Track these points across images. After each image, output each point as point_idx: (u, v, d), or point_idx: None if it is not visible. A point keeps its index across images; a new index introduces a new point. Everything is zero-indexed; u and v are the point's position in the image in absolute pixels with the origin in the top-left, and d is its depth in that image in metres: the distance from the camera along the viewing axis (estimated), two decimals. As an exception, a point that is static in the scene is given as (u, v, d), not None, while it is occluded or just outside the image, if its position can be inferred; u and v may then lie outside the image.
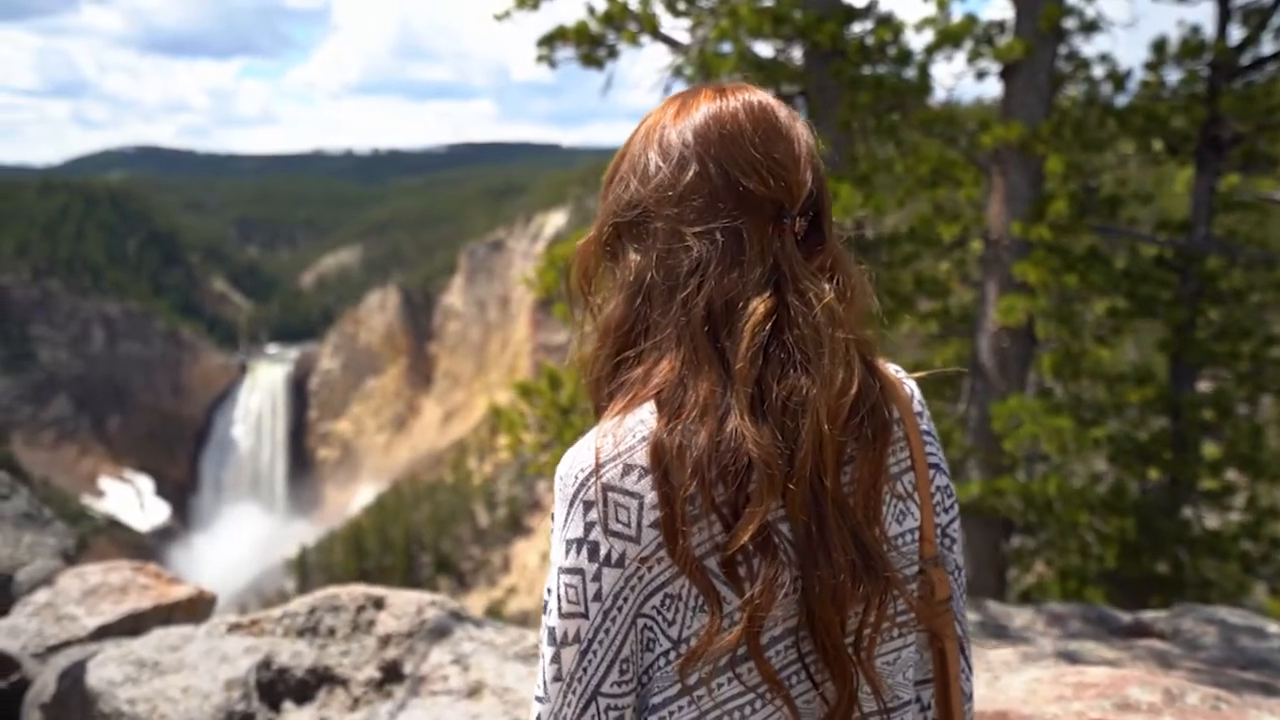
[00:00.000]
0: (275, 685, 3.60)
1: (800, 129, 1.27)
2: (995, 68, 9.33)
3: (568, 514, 1.21)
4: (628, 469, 1.19)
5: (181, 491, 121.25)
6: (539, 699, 1.24)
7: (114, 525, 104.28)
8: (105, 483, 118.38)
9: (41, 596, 4.48)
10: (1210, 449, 9.67)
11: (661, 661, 1.22)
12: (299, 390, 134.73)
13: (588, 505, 1.20)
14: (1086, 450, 9.21)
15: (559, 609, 1.21)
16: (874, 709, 1.25)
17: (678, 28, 9.38)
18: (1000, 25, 9.47)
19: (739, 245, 1.21)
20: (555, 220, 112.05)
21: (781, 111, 1.27)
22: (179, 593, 4.62)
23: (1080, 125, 9.21)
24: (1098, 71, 9.54)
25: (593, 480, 1.20)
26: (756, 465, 1.14)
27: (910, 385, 1.35)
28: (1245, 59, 9.17)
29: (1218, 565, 9.41)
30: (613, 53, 9.85)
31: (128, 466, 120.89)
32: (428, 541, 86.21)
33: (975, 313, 9.80)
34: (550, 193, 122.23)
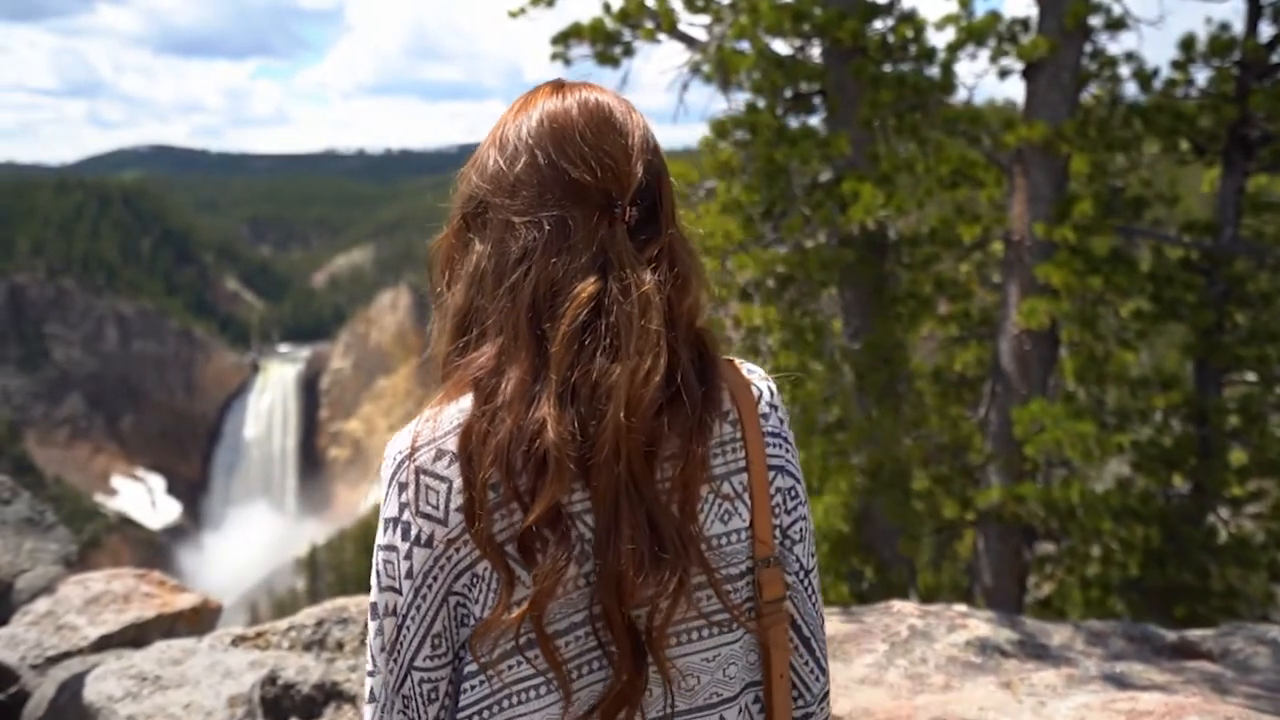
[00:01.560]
0: (281, 702, 3.46)
1: (636, 124, 1.31)
2: (1018, 66, 9.15)
3: (386, 494, 1.27)
4: (440, 454, 1.24)
5: (193, 490, 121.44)
6: (371, 673, 1.30)
7: (126, 523, 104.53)
8: (117, 481, 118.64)
9: (42, 605, 4.34)
10: (1237, 455, 9.45)
11: (469, 637, 1.27)
12: (310, 390, 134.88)
13: (402, 487, 1.25)
14: (1111, 456, 9.02)
15: (378, 584, 1.27)
16: (685, 706, 1.28)
17: (695, 24, 9.22)
18: (1024, 23, 9.28)
19: (565, 232, 1.24)
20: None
21: (618, 108, 1.31)
22: (183, 601, 4.48)
23: (1105, 124, 9.02)
24: (1123, 70, 9.35)
25: (407, 464, 1.26)
26: (550, 451, 1.17)
27: (761, 387, 1.36)
28: (1276, 57, 8.96)
29: (1243, 574, 9.21)
30: (628, 50, 9.71)
31: (140, 465, 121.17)
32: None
33: (996, 315, 9.62)
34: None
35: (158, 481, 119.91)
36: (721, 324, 7.89)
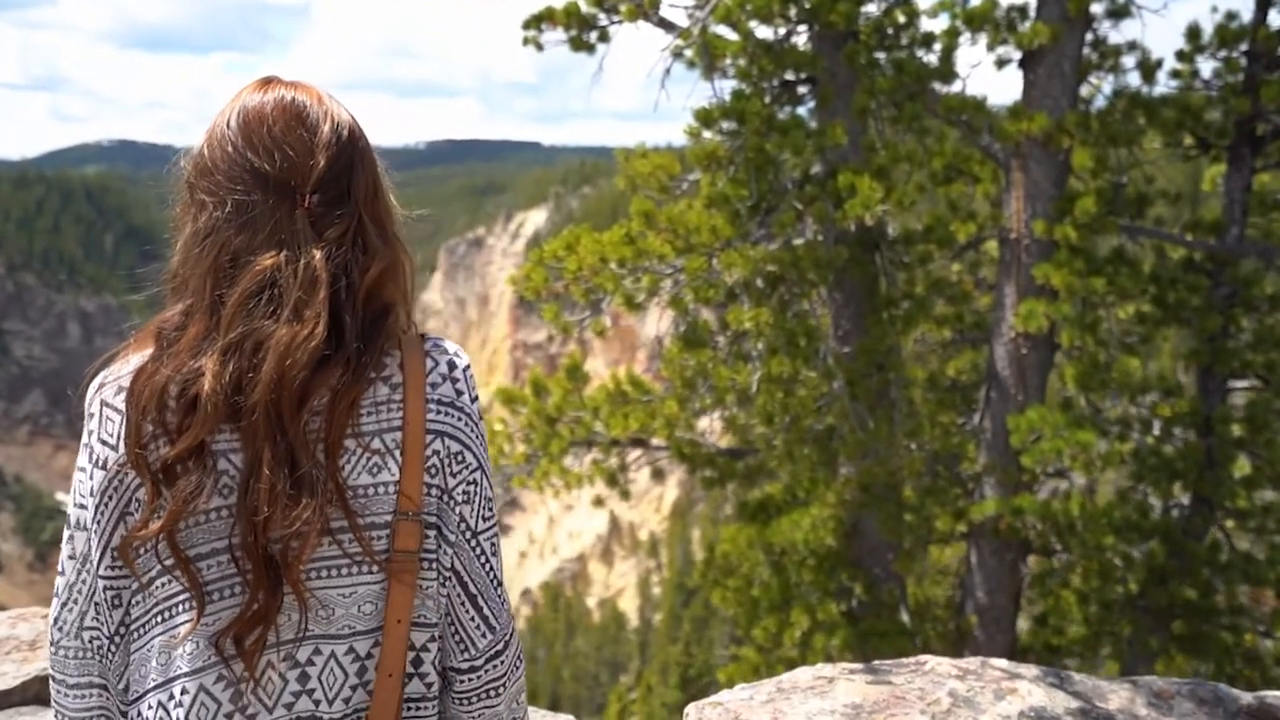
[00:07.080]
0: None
1: (328, 121, 1.47)
2: (1015, 56, 8.67)
3: (84, 422, 1.47)
4: (120, 390, 1.43)
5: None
6: (61, 573, 1.50)
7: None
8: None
9: (-69, 654, 3.74)
10: (1239, 465, 9.00)
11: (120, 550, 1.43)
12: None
13: (91, 416, 1.46)
14: (1114, 467, 8.56)
15: (73, 500, 1.49)
16: (321, 632, 1.40)
17: (676, 6, 8.66)
18: (1021, 9, 8.80)
19: (245, 212, 1.41)
20: (535, 218, 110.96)
21: (313, 105, 1.48)
22: (99, 647, 3.89)
23: (1106, 117, 8.55)
24: (1127, 61, 8.89)
25: (96, 396, 1.46)
26: (202, 396, 1.34)
27: (440, 360, 1.48)
28: (1287, 47, 8.51)
29: (1251, 591, 8.79)
30: (604, 36, 9.14)
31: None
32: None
33: (991, 318, 9.13)
34: (531, 191, 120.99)
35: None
36: (707, 326, 7.36)
